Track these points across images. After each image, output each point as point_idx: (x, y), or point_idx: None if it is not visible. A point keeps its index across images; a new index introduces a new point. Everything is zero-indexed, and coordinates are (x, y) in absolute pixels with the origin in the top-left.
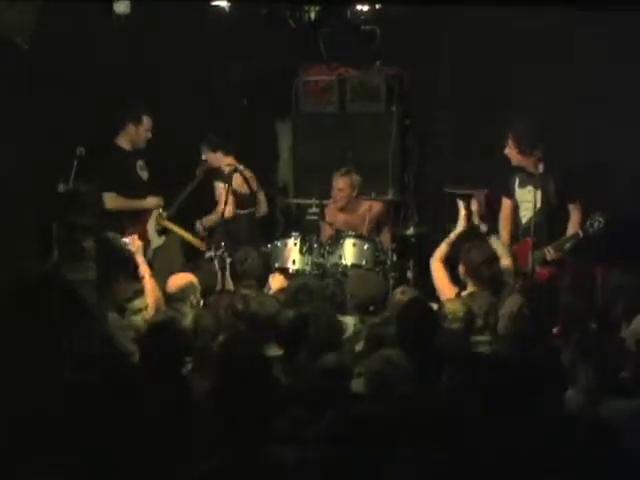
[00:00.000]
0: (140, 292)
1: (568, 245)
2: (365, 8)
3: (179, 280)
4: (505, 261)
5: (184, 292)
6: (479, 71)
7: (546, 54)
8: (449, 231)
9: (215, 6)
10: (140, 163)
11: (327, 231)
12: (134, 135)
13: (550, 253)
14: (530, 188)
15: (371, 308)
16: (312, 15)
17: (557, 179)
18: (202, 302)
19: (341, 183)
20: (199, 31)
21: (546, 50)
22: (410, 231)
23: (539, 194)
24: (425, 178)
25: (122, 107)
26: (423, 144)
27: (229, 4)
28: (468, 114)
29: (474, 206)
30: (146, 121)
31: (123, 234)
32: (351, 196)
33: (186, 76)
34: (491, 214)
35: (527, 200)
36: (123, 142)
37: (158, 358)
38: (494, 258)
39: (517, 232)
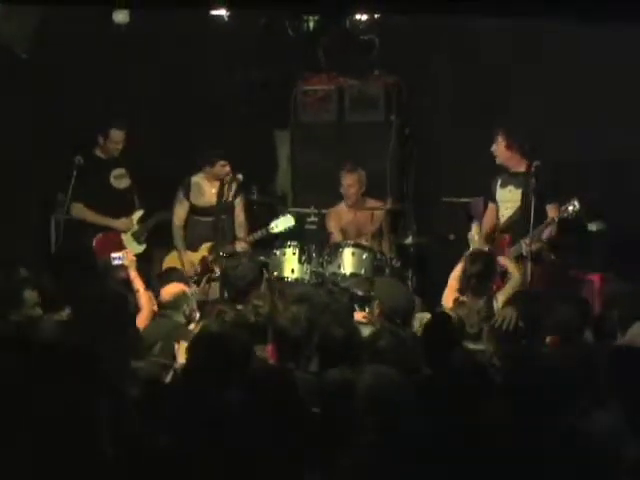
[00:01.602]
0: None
1: (545, 234)
2: (364, 18)
3: (172, 289)
4: (515, 274)
5: (177, 301)
6: (478, 79)
7: (543, 60)
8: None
9: (214, 15)
10: (118, 172)
11: (335, 238)
12: (103, 147)
13: (526, 244)
14: (511, 187)
15: (398, 321)
16: (311, 25)
17: (540, 179)
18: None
19: (349, 179)
20: (198, 40)
21: (544, 56)
22: (409, 240)
23: (519, 193)
24: (424, 187)
25: (108, 117)
26: (422, 153)
27: (228, 14)
28: (467, 123)
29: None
30: (114, 135)
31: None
32: (360, 192)
33: (184, 85)
34: None
35: (507, 200)
36: (99, 151)
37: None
38: (488, 271)
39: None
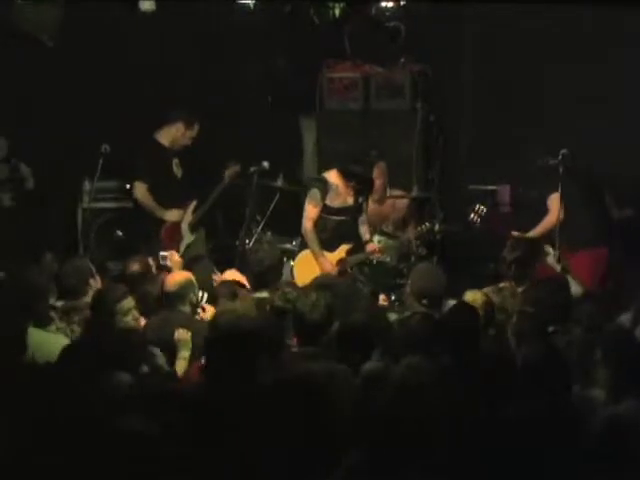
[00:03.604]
0: (127, 292)
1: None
2: (389, 5)
3: (177, 277)
4: None
5: (183, 289)
6: (503, 67)
7: (567, 52)
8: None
9: (240, 4)
10: (176, 161)
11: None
12: (179, 136)
13: None
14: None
15: (424, 301)
16: (336, 12)
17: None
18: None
19: (374, 172)
20: (224, 28)
21: (567, 48)
22: (435, 227)
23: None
24: (449, 175)
25: (154, 106)
26: (447, 141)
27: (254, 2)
28: (492, 110)
29: None
30: (196, 129)
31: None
32: (385, 184)
33: (210, 74)
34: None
35: None
36: (163, 138)
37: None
38: (528, 258)
39: None
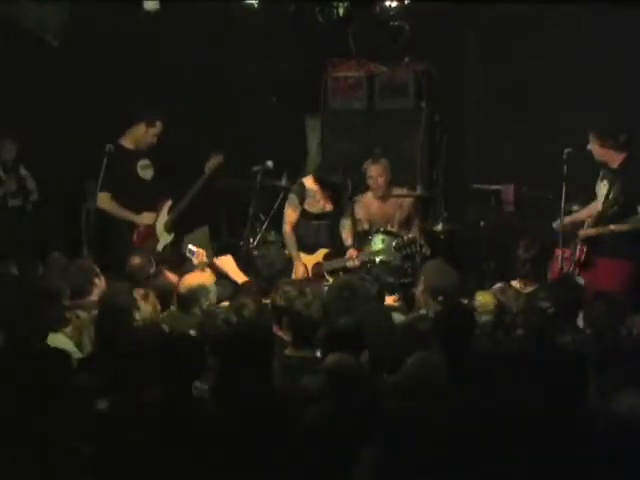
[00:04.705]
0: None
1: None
2: (394, 4)
3: (191, 280)
4: None
5: (194, 294)
6: (508, 66)
7: (571, 51)
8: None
9: (244, 3)
10: (143, 162)
11: (363, 226)
12: (142, 136)
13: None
14: (605, 182)
15: (440, 298)
16: (341, 11)
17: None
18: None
19: (376, 170)
20: (228, 28)
21: (570, 47)
22: (439, 227)
23: (609, 189)
24: (454, 174)
25: (142, 106)
26: (451, 140)
27: (258, 1)
28: (497, 109)
29: None
30: (158, 126)
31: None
32: (388, 181)
33: (214, 73)
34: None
35: (601, 194)
36: (127, 141)
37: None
38: (543, 258)
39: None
